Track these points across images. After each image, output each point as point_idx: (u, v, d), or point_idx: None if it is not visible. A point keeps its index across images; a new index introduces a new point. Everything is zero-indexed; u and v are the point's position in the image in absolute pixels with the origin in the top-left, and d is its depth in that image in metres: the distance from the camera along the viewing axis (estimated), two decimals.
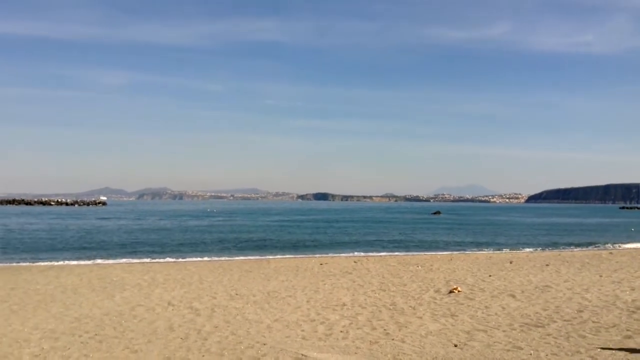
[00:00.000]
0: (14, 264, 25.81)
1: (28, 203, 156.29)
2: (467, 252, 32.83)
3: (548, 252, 32.50)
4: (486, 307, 13.94)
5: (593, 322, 12.00)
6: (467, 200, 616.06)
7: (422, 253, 32.49)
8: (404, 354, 9.67)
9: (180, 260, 28.22)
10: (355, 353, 9.76)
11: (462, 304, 14.39)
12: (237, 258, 29.34)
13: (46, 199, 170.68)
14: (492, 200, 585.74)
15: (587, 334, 10.92)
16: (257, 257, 29.60)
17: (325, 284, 18.13)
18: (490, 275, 20.06)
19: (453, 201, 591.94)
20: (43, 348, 10.15)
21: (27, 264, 26.05)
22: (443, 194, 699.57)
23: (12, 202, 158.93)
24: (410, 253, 32.55)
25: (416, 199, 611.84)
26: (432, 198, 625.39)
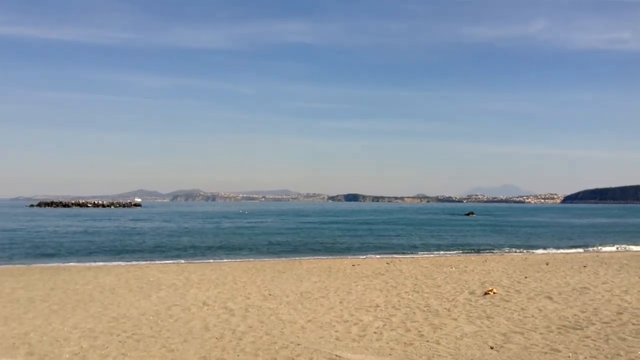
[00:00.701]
0: (53, 265, 26.45)
1: (66, 205, 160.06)
2: (502, 254, 32.38)
3: (585, 254, 31.80)
4: (522, 309, 13.73)
5: (633, 324, 11.73)
6: (501, 201, 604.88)
7: (456, 254, 32.17)
8: (439, 356, 9.59)
9: (214, 260, 28.54)
10: (390, 354, 9.72)
11: (498, 305, 14.21)
12: (269, 259, 29.50)
13: (83, 201, 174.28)
14: (526, 200, 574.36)
15: (627, 337, 10.67)
16: (290, 258, 29.72)
17: (357, 285, 18.11)
18: (526, 277, 19.75)
19: (486, 202, 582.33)
20: (82, 347, 10.39)
21: (66, 264, 26.69)
22: (476, 195, 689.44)
23: (50, 204, 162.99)
24: (443, 254, 32.25)
25: (448, 200, 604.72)
26: (464, 199, 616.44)
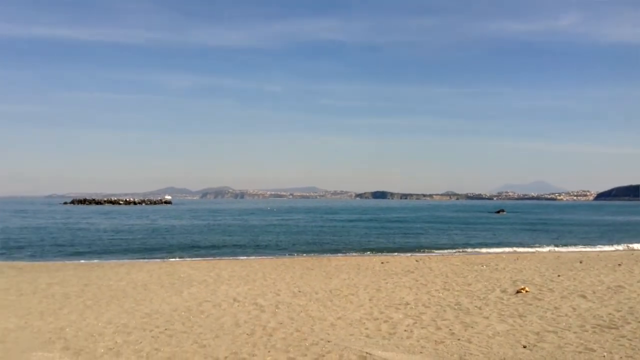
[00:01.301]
0: (87, 261, 26.96)
1: (98, 202, 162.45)
2: (534, 252, 31.90)
3: (620, 252, 31.16)
4: (556, 307, 13.52)
5: None
6: (531, 198, 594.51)
7: (487, 252, 31.80)
8: (471, 354, 9.50)
9: (244, 257, 28.76)
10: (421, 352, 9.67)
11: (530, 304, 14.01)
12: (298, 256, 29.59)
13: (115, 199, 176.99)
14: (558, 197, 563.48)
15: None
16: (318, 255, 29.77)
17: (387, 283, 18.04)
18: (559, 275, 19.43)
19: (517, 199, 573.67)
20: (117, 342, 10.58)
21: (99, 261, 27.18)
22: (507, 192, 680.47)
23: (83, 201, 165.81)
24: (474, 252, 31.92)
25: (478, 197, 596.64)
26: (495, 196, 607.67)
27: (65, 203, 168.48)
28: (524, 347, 9.95)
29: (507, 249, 33.62)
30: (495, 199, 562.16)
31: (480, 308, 13.61)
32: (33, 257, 29.20)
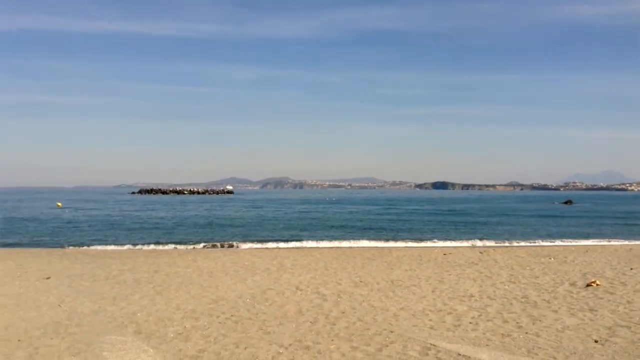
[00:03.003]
0: (156, 248, 27.90)
1: (164, 192, 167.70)
2: (605, 244, 30.67)
3: None
4: (628, 302, 12.98)
5: None
6: (601, 188, 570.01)
7: (554, 244, 30.82)
8: (539, 348, 9.26)
9: (306, 246, 29.04)
10: (487, 345, 9.50)
11: (602, 298, 13.50)
12: (359, 245, 29.56)
13: (180, 188, 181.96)
14: (629, 188, 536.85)
15: None
16: (379, 245, 29.68)
17: (450, 275, 17.80)
18: (631, 269, 18.62)
19: (586, 189, 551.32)
20: (185, 327, 10.93)
21: (167, 248, 28.09)
22: (574, 182, 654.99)
23: (149, 191, 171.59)
24: (541, 244, 31.00)
25: (544, 188, 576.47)
26: (562, 187, 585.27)
27: (133, 193, 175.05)
28: (596, 341, 9.62)
29: (575, 241, 32.51)
30: (562, 189, 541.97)
31: (548, 301, 13.23)
32: (103, 244, 30.42)
